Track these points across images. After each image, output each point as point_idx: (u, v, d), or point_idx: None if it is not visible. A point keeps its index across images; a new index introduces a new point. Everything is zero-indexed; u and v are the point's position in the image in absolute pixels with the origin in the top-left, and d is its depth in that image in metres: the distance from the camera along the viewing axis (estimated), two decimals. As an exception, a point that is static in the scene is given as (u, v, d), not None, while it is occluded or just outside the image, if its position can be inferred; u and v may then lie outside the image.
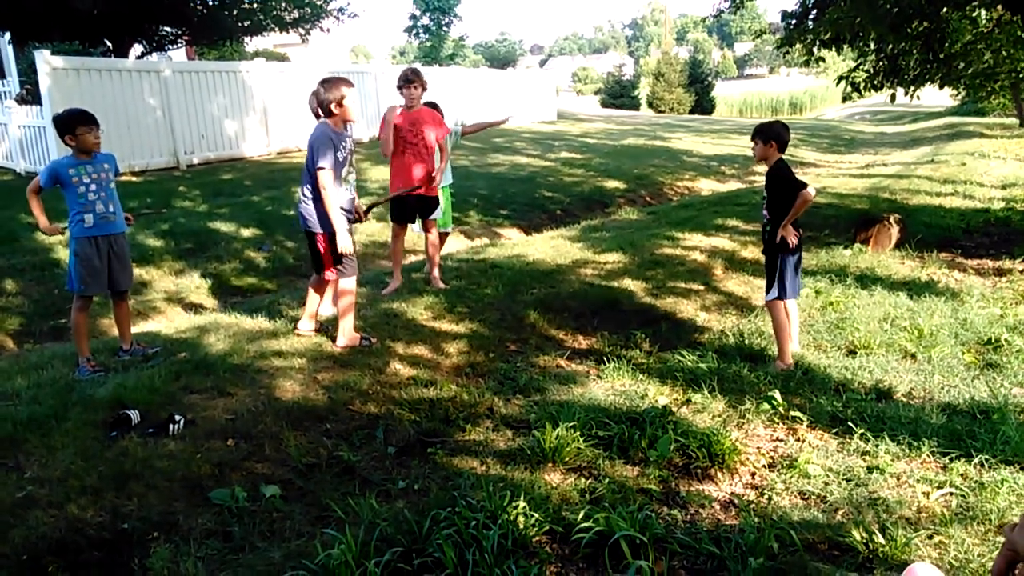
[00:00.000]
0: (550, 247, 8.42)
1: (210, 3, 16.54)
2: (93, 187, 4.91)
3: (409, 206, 6.53)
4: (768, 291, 5.24)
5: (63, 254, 8.78)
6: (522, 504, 3.14)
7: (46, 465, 3.68)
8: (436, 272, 6.81)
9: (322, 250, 5.16)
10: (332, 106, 4.97)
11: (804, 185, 4.94)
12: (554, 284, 6.88)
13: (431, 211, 6.63)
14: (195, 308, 7.93)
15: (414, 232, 7.38)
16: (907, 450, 3.71)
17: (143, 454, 3.79)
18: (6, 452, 3.78)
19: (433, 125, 6.42)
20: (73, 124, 4.87)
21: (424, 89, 6.39)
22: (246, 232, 9.98)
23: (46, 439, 3.88)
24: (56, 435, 3.92)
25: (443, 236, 7.30)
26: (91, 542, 3.20)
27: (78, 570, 3.06)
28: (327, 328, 5.53)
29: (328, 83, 4.99)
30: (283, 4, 17.26)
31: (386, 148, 6.39)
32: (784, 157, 5.11)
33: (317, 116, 5.10)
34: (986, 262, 7.80)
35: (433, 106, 6.64)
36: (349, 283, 5.27)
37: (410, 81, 6.30)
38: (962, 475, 3.46)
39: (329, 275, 5.25)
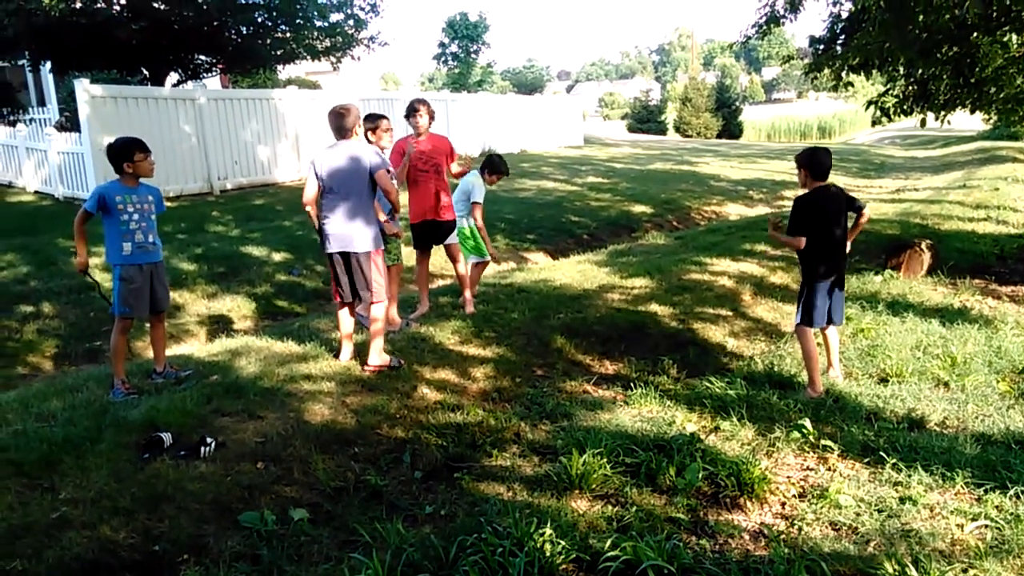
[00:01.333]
0: (577, 272, 8.44)
1: (245, 32, 16.89)
2: (136, 216, 5.02)
3: (426, 233, 6.57)
4: (796, 316, 5.22)
5: (100, 277, 8.96)
6: (549, 531, 3.13)
7: (80, 486, 3.74)
8: (468, 294, 6.82)
9: (364, 270, 5.27)
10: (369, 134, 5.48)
11: (799, 232, 4.98)
12: (581, 309, 6.88)
13: (446, 235, 6.62)
14: (227, 331, 8.05)
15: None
16: (940, 481, 3.65)
17: (175, 476, 3.84)
18: (41, 473, 3.85)
19: (443, 151, 6.52)
20: (132, 151, 5.01)
21: (432, 118, 6.49)
22: (277, 256, 10.12)
23: (80, 460, 3.95)
24: (90, 456, 3.99)
25: (483, 265, 7.24)
26: (123, 563, 3.24)
27: (110, 591, 3.11)
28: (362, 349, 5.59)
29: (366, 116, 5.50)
30: (315, 33, 17.56)
31: (401, 177, 6.41)
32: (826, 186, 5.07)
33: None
34: (1021, 289, 7.68)
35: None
36: (380, 308, 5.35)
37: (415, 110, 6.41)
38: (997, 507, 3.38)
39: (365, 295, 5.33)
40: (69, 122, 14.58)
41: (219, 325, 8.14)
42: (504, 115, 23.42)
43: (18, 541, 3.29)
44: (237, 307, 8.55)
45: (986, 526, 3.25)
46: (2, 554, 3.21)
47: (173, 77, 17.78)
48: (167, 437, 4.19)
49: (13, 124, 15.99)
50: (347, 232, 5.24)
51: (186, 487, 3.76)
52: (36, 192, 14.40)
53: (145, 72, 16.82)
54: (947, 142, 33.59)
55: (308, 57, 17.99)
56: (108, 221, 4.99)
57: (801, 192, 5.17)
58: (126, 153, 4.99)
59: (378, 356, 5.35)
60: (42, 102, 21.45)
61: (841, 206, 5.12)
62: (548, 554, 3.02)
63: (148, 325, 5.36)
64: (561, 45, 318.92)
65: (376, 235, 5.32)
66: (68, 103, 16.87)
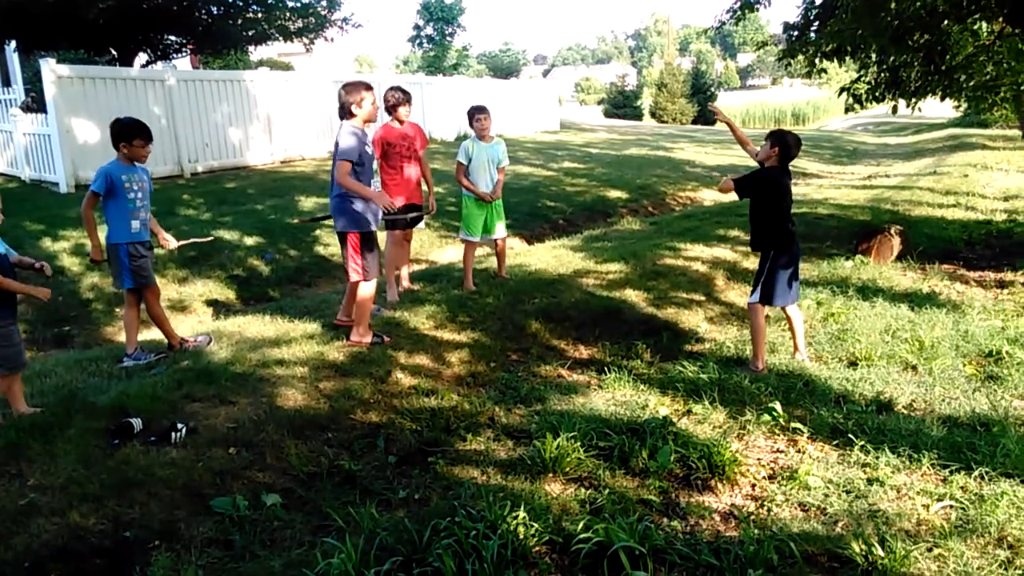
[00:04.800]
0: (552, 257, 8.44)
1: (215, 13, 16.62)
2: (140, 195, 5.08)
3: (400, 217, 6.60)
4: (752, 293, 5.30)
5: (68, 262, 8.83)
6: (522, 514, 3.15)
7: (48, 472, 3.69)
8: (405, 276, 7.11)
9: (351, 249, 5.36)
10: (352, 107, 5.28)
11: (745, 194, 5.17)
12: (556, 294, 6.89)
13: (419, 220, 6.82)
14: (198, 316, 7.96)
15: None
16: (907, 462, 3.71)
17: (145, 462, 3.80)
18: (9, 459, 3.79)
19: (420, 137, 6.66)
20: (133, 134, 5.01)
21: (410, 104, 6.60)
22: (249, 240, 10.01)
23: (49, 446, 3.90)
24: (59, 442, 3.94)
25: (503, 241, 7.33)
26: (93, 550, 3.21)
27: (79, 578, 3.07)
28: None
29: (349, 87, 5.33)
30: (288, 14, 17.34)
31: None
32: (785, 168, 5.16)
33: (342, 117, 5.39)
34: (988, 274, 7.81)
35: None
36: (369, 286, 5.42)
37: (407, 100, 6.52)
38: (962, 488, 3.46)
39: (354, 276, 5.42)
40: (36, 103, 14.25)
41: (190, 310, 8.05)
42: (480, 100, 23.18)
43: (-15, 528, 3.25)
44: (208, 292, 8.46)
45: (951, 506, 3.32)
46: (-32, 541, 3.16)
47: (142, 58, 17.47)
48: (137, 423, 4.14)
49: (-23, 105, 15.61)
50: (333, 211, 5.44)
51: (157, 473, 3.73)
52: (1, 174, 14.09)
53: (113, 52, 16.51)
54: (918, 129, 34.02)
55: (280, 38, 17.77)
56: (114, 201, 5.00)
57: (763, 165, 5.23)
58: (127, 135, 5.01)
59: (357, 333, 5.43)
60: (7, 82, 20.91)
61: (791, 191, 5.27)
62: (521, 536, 3.04)
63: (144, 307, 5.34)
64: (537, 29, 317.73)
65: (353, 217, 5.31)
66: (34, 83, 16.49)
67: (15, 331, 4.27)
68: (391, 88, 6.54)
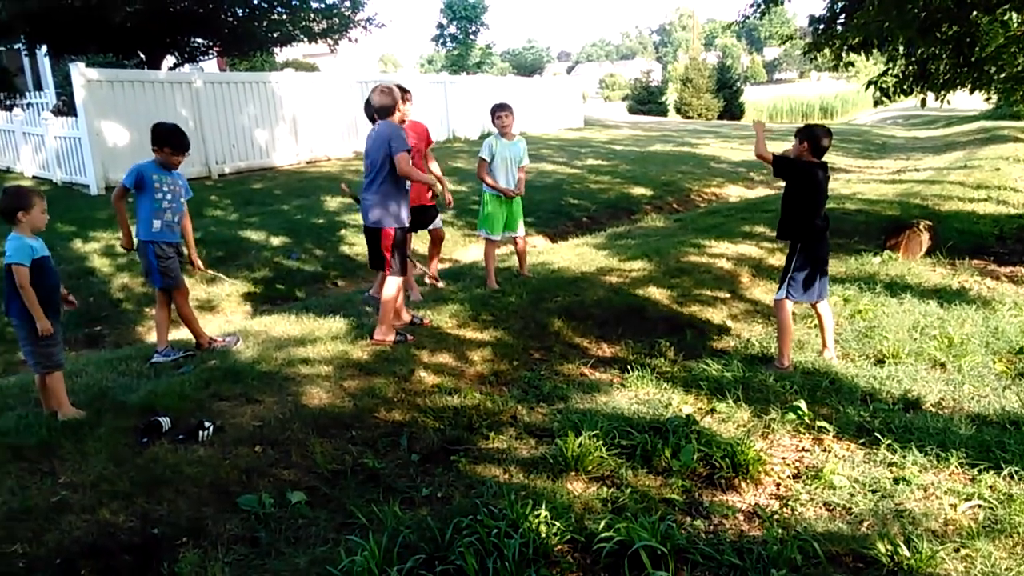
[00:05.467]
0: (575, 254, 8.43)
1: (241, 15, 16.79)
2: (169, 197, 5.18)
3: (416, 218, 6.60)
4: (778, 289, 5.27)
5: (99, 263, 8.99)
6: (544, 513, 3.15)
7: (79, 470, 3.76)
8: (433, 269, 7.19)
9: (385, 246, 5.44)
10: (397, 108, 5.50)
11: (779, 172, 5.18)
12: (578, 292, 6.88)
13: (432, 220, 6.81)
14: (225, 316, 8.06)
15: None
16: (935, 461, 3.66)
17: (173, 460, 3.86)
18: (41, 457, 3.87)
19: (423, 137, 6.66)
20: (164, 141, 5.13)
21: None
22: (275, 241, 10.12)
23: (79, 445, 3.97)
24: (89, 441, 4.01)
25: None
26: (122, 546, 3.27)
27: (109, 574, 3.13)
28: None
29: (388, 89, 5.52)
30: (312, 15, 17.47)
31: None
32: (822, 163, 5.12)
33: (372, 120, 5.56)
34: (1020, 269, 7.68)
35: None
36: (395, 282, 5.48)
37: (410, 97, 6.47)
38: (991, 487, 3.40)
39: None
40: (66, 106, 14.52)
41: (218, 309, 8.16)
42: (504, 97, 23.18)
43: (18, 525, 3.32)
44: (236, 291, 8.56)
45: (979, 506, 3.27)
46: (3, 538, 3.23)
47: (169, 60, 17.70)
48: (165, 421, 4.21)
49: (10, 109, 15.93)
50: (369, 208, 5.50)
51: (184, 471, 3.79)
52: (34, 177, 14.37)
53: (141, 56, 16.74)
54: (949, 122, 33.43)
55: (305, 39, 17.91)
56: (142, 198, 5.14)
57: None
58: (158, 141, 5.14)
59: (380, 332, 5.48)
60: (39, 86, 21.35)
61: (826, 187, 5.18)
62: (543, 535, 3.04)
63: (174, 306, 5.45)
64: (561, 26, 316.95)
65: (391, 214, 5.40)
66: (65, 87, 16.78)
67: (57, 330, 4.33)
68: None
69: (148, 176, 5.09)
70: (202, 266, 5.76)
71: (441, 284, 7.20)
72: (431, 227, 6.89)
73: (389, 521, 3.30)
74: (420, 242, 7.85)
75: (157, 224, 5.14)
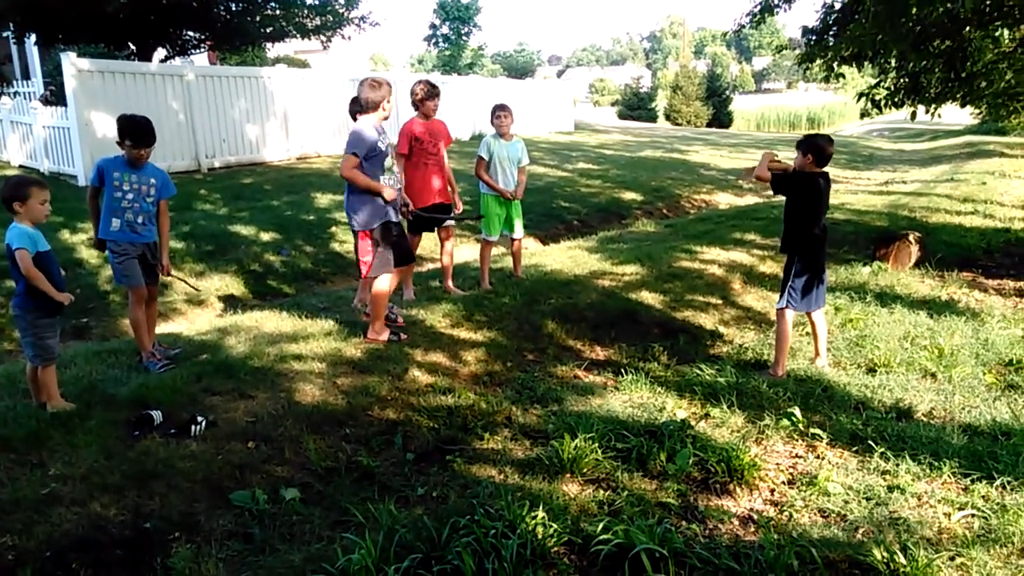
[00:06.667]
0: (567, 257, 8.44)
1: (234, 9, 16.66)
2: (130, 195, 4.94)
3: (427, 217, 6.54)
4: (779, 298, 5.29)
5: (86, 254, 8.89)
6: (541, 514, 3.15)
7: (70, 463, 3.72)
8: (450, 283, 6.90)
9: (359, 247, 5.41)
10: (383, 103, 5.25)
11: (779, 189, 5.22)
12: (571, 294, 6.89)
13: (444, 220, 6.69)
14: (214, 310, 8.00)
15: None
16: (928, 470, 3.69)
17: (165, 454, 3.83)
18: (31, 449, 3.82)
19: (445, 135, 6.60)
20: (124, 135, 4.89)
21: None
22: (265, 236, 10.05)
23: (70, 437, 3.92)
24: (79, 433, 3.97)
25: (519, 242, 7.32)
26: (113, 540, 3.23)
27: (101, 568, 3.10)
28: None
29: (375, 83, 5.29)
30: (305, 11, 17.36)
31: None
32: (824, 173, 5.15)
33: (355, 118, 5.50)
34: (1007, 282, 7.76)
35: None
36: (383, 282, 5.38)
37: (437, 94, 6.46)
38: (984, 497, 3.43)
39: (365, 268, 5.45)
40: (55, 96, 14.35)
41: (206, 304, 8.09)
42: (495, 99, 23.17)
43: (8, 517, 3.28)
44: (225, 286, 8.50)
45: (973, 515, 3.29)
46: (-9, 529, 3.19)
47: (161, 53, 17.54)
48: (157, 415, 4.17)
49: (-3, 97, 15.73)
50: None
51: (176, 465, 3.75)
52: (21, 166, 14.18)
53: (132, 47, 16.58)
54: (935, 136, 33.77)
55: (298, 35, 17.77)
56: (104, 196, 4.96)
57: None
58: (122, 134, 4.91)
59: (374, 330, 5.45)
60: (27, 75, 21.10)
61: (827, 195, 5.21)
62: (540, 536, 3.04)
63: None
64: (552, 30, 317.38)
65: (364, 216, 5.29)
66: (53, 76, 16.60)
67: (55, 323, 4.27)
68: (419, 81, 6.53)
69: (108, 173, 4.89)
70: (169, 269, 5.36)
71: (461, 293, 6.86)
72: (445, 224, 6.73)
73: (385, 520, 3.28)
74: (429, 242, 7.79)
75: (116, 223, 4.91)
